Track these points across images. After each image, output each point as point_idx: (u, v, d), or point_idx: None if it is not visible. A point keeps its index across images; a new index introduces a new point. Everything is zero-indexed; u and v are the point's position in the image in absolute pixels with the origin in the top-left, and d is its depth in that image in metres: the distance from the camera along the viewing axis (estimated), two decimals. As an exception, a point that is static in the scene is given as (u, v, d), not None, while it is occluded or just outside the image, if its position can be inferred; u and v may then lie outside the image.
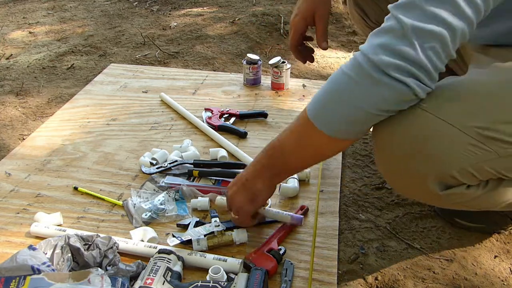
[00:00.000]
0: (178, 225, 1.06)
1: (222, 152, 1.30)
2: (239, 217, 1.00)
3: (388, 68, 0.71)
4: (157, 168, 1.23)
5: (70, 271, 0.89)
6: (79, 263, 0.91)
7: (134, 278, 0.89)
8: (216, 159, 1.29)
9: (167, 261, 0.90)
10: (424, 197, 0.93)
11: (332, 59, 2.03)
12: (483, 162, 0.79)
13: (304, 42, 1.24)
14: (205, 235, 0.99)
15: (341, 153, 1.35)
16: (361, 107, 0.77)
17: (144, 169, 1.24)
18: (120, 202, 1.14)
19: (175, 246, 0.98)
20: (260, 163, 0.96)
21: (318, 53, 2.09)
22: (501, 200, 0.89)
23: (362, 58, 0.74)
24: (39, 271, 0.84)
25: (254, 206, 0.99)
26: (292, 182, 1.17)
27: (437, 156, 0.80)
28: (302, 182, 1.21)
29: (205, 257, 0.95)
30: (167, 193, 1.15)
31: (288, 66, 1.66)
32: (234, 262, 0.94)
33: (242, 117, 1.51)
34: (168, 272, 0.88)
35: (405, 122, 0.82)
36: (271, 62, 1.67)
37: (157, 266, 0.88)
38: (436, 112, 0.78)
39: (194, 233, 1.00)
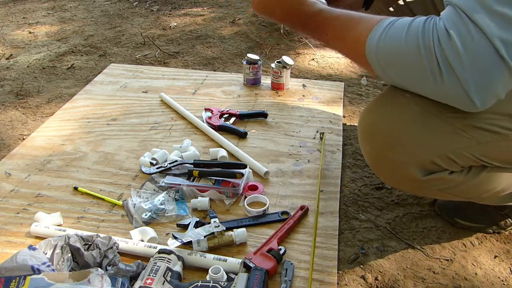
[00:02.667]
0: (178, 225, 1.06)
1: (222, 152, 1.30)
2: None
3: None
4: (157, 168, 1.23)
5: (70, 271, 0.89)
6: (79, 263, 0.91)
7: (134, 278, 0.89)
8: (216, 159, 1.29)
9: (167, 261, 0.90)
10: (407, 185, 0.94)
11: (332, 59, 2.03)
12: (462, 148, 0.82)
13: None
14: (205, 236, 0.99)
15: (341, 153, 1.35)
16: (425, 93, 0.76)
17: (144, 169, 1.24)
18: (120, 202, 1.14)
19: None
20: (305, 13, 0.89)
21: (318, 53, 2.09)
22: (486, 188, 0.91)
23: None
24: (39, 271, 0.84)
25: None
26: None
27: (418, 143, 0.83)
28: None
29: (205, 257, 0.95)
30: (167, 193, 1.15)
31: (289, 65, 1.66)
32: (234, 262, 0.94)
33: (242, 117, 1.51)
34: (168, 272, 0.88)
35: (387, 111, 0.85)
36: (288, 62, 1.64)
37: (157, 266, 0.88)
38: (418, 102, 0.79)
39: (194, 234, 1.00)
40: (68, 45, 2.21)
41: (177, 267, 0.90)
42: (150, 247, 0.98)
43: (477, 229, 1.10)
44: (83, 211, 1.13)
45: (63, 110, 1.59)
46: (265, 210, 1.10)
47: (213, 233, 1.00)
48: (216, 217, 1.05)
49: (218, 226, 1.02)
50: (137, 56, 2.07)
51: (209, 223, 1.03)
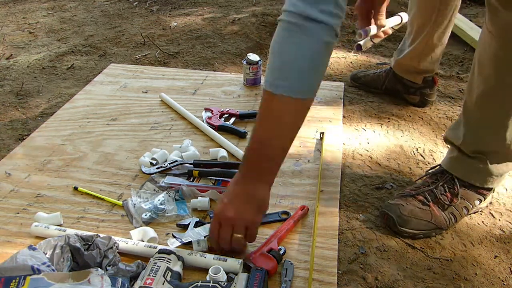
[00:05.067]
0: (178, 225, 1.06)
1: (222, 152, 1.30)
2: (250, 233, 0.94)
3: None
4: (157, 168, 1.23)
5: (70, 271, 0.89)
6: (79, 263, 0.91)
7: (134, 278, 0.89)
8: (216, 159, 1.29)
9: (167, 261, 0.90)
10: None
11: (332, 59, 2.03)
12: None
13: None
14: (205, 236, 0.99)
15: (341, 153, 1.35)
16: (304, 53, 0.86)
17: (144, 169, 1.24)
18: (120, 202, 1.14)
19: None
20: (249, 170, 0.93)
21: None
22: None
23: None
24: (39, 271, 0.84)
25: (261, 216, 0.96)
26: None
27: None
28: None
29: (205, 257, 0.95)
30: (167, 193, 1.15)
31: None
32: (234, 262, 0.94)
33: (242, 117, 1.51)
34: (168, 272, 0.88)
35: None
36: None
37: (157, 266, 0.88)
38: None
39: (194, 234, 1.00)
40: (68, 45, 2.21)
41: (177, 267, 0.90)
42: (150, 247, 0.98)
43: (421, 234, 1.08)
44: (83, 211, 1.13)
45: (63, 110, 1.59)
46: (265, 210, 1.10)
47: (213, 233, 1.00)
48: (216, 217, 1.05)
49: (218, 226, 1.01)
50: (137, 56, 2.07)
51: (209, 223, 1.03)
